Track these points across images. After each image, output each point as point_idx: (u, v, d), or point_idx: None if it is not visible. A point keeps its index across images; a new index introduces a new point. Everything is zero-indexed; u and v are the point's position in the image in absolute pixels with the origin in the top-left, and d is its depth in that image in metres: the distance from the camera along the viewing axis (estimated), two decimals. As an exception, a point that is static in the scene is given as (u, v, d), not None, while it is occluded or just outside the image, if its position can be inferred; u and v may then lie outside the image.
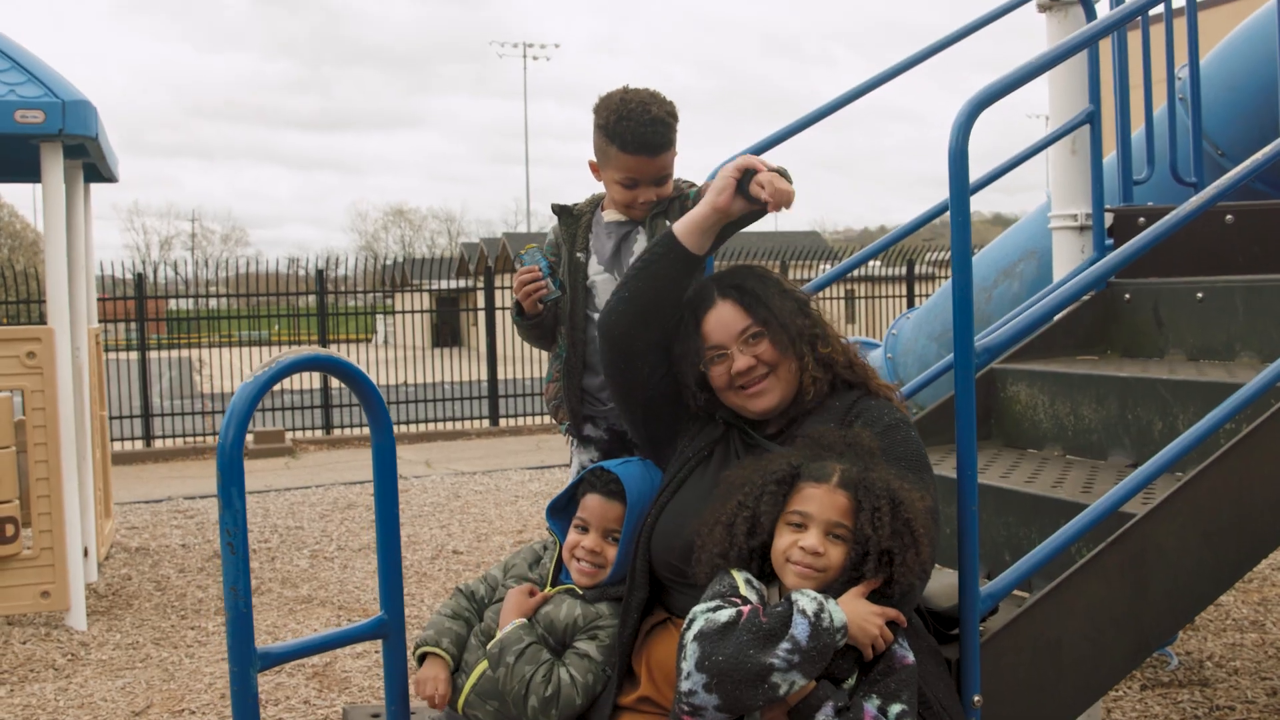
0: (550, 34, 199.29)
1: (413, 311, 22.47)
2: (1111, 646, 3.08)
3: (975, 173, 4.33)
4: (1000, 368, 4.38)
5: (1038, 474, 3.80)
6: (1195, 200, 3.42)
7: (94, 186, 9.27)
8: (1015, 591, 3.16)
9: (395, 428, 3.10)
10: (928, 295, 20.69)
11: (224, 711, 5.65)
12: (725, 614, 2.53)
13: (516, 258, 3.63)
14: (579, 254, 3.57)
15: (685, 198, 3.49)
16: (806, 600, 2.52)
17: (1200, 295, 4.22)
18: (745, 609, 2.54)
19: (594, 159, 3.53)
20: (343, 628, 2.92)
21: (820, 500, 2.63)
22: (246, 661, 2.66)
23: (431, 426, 18.40)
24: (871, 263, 23.72)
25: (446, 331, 36.92)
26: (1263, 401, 3.26)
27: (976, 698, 2.86)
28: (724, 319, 2.97)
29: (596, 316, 3.45)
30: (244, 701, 2.67)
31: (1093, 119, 4.59)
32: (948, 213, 4.90)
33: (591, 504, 3.09)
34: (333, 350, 2.97)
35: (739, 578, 2.65)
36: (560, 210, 3.68)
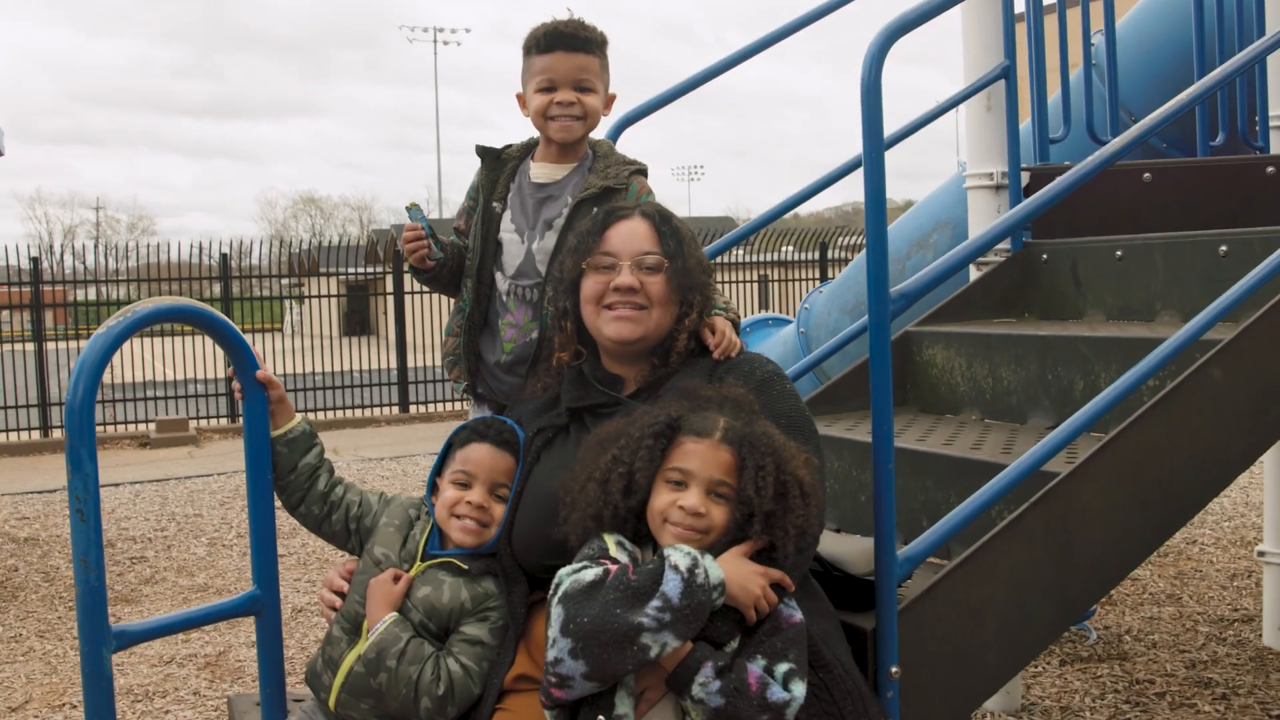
0: (447, 19, 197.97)
1: (322, 296, 22.01)
2: (1036, 612, 2.92)
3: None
4: (916, 330, 4.23)
5: (956, 437, 3.65)
6: (1105, 150, 3.28)
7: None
8: (933, 559, 3.00)
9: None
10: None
11: (108, 705, 5.34)
12: (591, 573, 2.33)
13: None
14: (495, 204, 3.27)
15: (624, 190, 3.17)
16: (679, 555, 2.32)
17: (1119, 254, 4.10)
18: (614, 567, 2.34)
19: (520, 91, 3.28)
20: (209, 604, 2.68)
21: (702, 456, 2.43)
22: (99, 640, 2.41)
23: (340, 414, 17.96)
24: (785, 248, 23.76)
25: (356, 320, 36.28)
26: (1186, 356, 3.13)
27: (894, 669, 2.68)
28: (634, 232, 2.81)
29: (500, 276, 3.23)
30: (96, 686, 2.43)
31: (1008, 74, 4.44)
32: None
33: (479, 455, 2.79)
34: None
35: (610, 540, 2.45)
36: (484, 152, 3.36)
